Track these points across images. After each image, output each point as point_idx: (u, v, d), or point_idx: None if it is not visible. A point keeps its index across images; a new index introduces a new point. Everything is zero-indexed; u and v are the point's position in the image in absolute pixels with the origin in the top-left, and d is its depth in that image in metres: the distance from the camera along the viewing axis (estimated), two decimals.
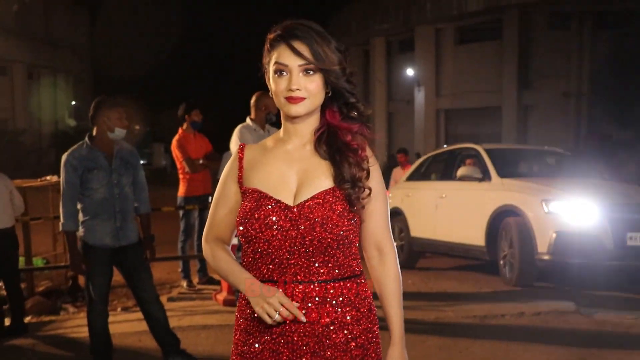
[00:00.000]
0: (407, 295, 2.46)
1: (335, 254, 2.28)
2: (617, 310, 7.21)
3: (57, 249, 10.05)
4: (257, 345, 2.32)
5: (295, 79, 2.24)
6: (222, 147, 8.70)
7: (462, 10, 28.95)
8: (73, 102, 46.20)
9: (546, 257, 8.20)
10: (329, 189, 2.29)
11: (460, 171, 9.52)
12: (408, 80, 32.25)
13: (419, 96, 31.39)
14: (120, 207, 5.61)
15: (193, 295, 8.78)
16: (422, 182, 10.51)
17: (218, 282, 8.90)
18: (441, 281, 9.53)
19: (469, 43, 31.35)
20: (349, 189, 2.27)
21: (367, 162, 2.34)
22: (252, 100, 7.20)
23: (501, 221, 8.82)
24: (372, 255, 2.41)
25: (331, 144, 2.33)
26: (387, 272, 2.38)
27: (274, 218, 2.25)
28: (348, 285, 2.31)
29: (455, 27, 31.11)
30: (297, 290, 2.26)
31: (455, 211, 9.61)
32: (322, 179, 2.31)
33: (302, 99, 2.25)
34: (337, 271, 2.29)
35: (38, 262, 9.34)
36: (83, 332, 7.37)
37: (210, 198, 9.32)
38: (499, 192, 8.97)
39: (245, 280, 2.27)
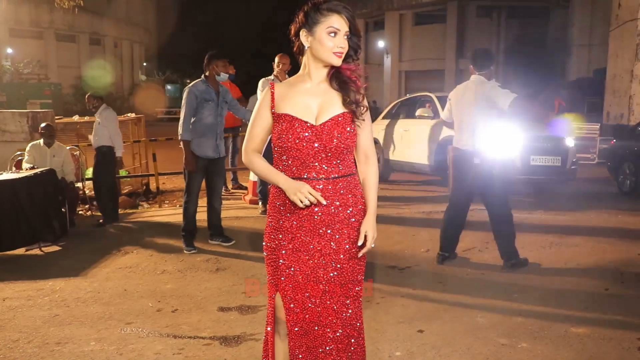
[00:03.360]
0: (379, 198, 2.46)
1: (344, 158, 2.32)
2: (520, 210, 7.08)
3: (134, 164, 9.90)
4: (287, 222, 2.34)
5: (342, 40, 2.26)
6: (248, 93, 8.47)
7: (419, 1, 29.44)
8: (144, 64, 45.62)
9: None
10: (341, 113, 2.31)
11: (419, 112, 9.30)
12: (379, 50, 32.32)
13: (387, 61, 31.75)
14: (219, 130, 5.72)
15: (228, 196, 8.65)
16: (392, 120, 10.28)
17: (245, 188, 8.81)
18: (402, 190, 9.45)
19: (423, 25, 31.61)
20: (353, 108, 2.31)
21: (362, 89, 2.36)
22: (275, 60, 6.99)
23: (446, 147, 8.65)
24: (360, 159, 2.43)
25: (339, 79, 2.33)
26: (369, 170, 2.41)
27: (305, 134, 2.27)
28: (349, 179, 2.35)
29: (413, 13, 31.57)
30: (317, 184, 2.29)
31: (414, 140, 9.41)
32: (335, 106, 2.32)
33: (342, 53, 2.27)
34: (343, 170, 2.33)
35: (123, 172, 9.18)
36: (155, 218, 7.39)
37: (240, 129, 9.19)
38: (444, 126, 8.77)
39: (281, 176, 2.29)
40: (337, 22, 2.24)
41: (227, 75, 5.81)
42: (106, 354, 3.46)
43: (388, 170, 10.16)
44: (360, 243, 2.32)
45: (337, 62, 2.27)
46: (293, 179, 2.28)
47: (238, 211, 7.49)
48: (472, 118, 4.88)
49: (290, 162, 2.29)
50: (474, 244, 5.72)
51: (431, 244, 5.73)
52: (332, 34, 2.24)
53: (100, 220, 7.04)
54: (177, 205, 8.47)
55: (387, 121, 10.44)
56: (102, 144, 6.95)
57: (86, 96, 7.22)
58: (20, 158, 7.15)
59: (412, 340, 3.57)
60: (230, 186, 9.19)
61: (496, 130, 4.89)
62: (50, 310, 4.24)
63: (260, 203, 7.39)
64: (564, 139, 8.51)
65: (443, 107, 8.96)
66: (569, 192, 8.78)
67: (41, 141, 6.86)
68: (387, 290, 4.45)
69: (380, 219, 2.40)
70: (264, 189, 7.30)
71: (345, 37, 2.26)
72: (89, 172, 7.82)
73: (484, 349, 3.42)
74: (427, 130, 9.13)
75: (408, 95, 11.63)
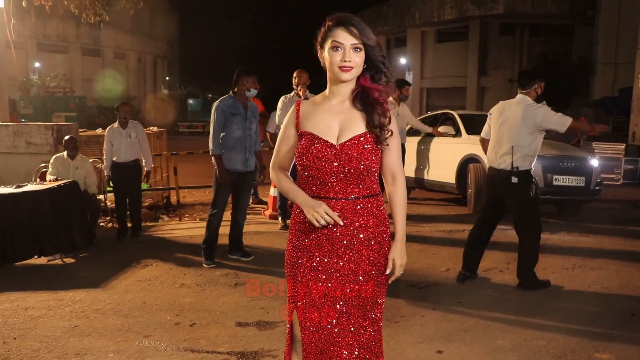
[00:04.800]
0: None
1: (365, 179, 2.29)
2: (543, 231, 6.98)
3: (156, 177, 10.01)
4: (306, 240, 2.34)
5: (348, 54, 2.22)
6: (270, 109, 8.52)
7: (441, 18, 29.33)
8: (167, 78, 46.30)
9: None
10: (362, 133, 2.28)
11: (440, 129, 9.27)
12: (401, 66, 32.25)
13: (409, 78, 31.62)
14: (249, 144, 5.77)
15: (248, 211, 8.67)
16: (413, 137, 10.24)
17: (265, 203, 8.82)
18: (422, 207, 9.39)
19: (445, 42, 31.51)
20: (377, 132, 2.27)
21: (389, 112, 2.32)
22: (294, 75, 7.08)
23: (467, 166, 8.60)
24: (388, 180, 2.38)
25: (364, 100, 2.30)
26: (397, 192, 2.37)
27: (324, 153, 2.26)
28: (371, 200, 2.31)
29: (435, 30, 31.44)
30: (337, 205, 2.28)
31: (435, 157, 9.37)
32: (357, 126, 2.29)
33: (351, 68, 2.23)
34: (364, 191, 2.30)
35: (144, 186, 9.28)
36: (174, 233, 7.43)
37: (261, 144, 9.23)
38: (466, 144, 8.71)
39: (301, 194, 2.29)
40: (340, 36, 2.21)
41: (256, 91, 5.85)
42: None
43: (408, 188, 10.10)
44: (388, 271, 2.30)
45: (345, 77, 2.24)
46: (313, 197, 2.27)
47: (258, 226, 7.50)
48: (513, 137, 4.84)
49: (310, 180, 2.30)
50: (495, 264, 5.66)
51: (451, 263, 5.68)
52: (335, 49, 2.22)
53: (133, 235, 7.10)
54: (197, 219, 8.52)
55: (408, 137, 10.42)
56: (136, 157, 7.08)
57: (119, 104, 7.23)
58: (44, 170, 7.28)
59: None
60: (250, 201, 9.23)
61: (532, 150, 4.88)
62: (70, 321, 4.29)
63: (280, 218, 7.41)
64: (588, 159, 8.41)
65: (465, 125, 9.04)
66: (593, 213, 8.65)
67: (65, 153, 6.98)
68: (406, 309, 4.42)
69: None
70: (284, 205, 7.33)
71: (354, 50, 2.22)
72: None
73: None
74: (449, 148, 9.09)
75: (429, 113, 11.61)
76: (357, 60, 2.23)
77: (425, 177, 9.55)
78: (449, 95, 29.89)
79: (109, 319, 4.33)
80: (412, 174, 9.75)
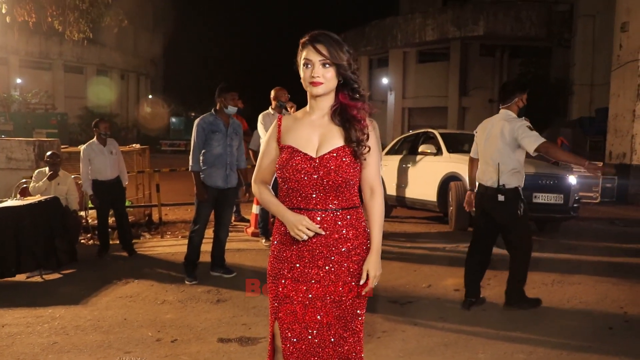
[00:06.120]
0: None
1: (344, 191, 2.32)
2: None
3: (138, 194, 9.95)
4: (287, 252, 2.37)
5: (317, 70, 2.28)
6: (253, 126, 8.55)
7: (422, 39, 29.39)
8: (150, 96, 46.16)
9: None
10: (341, 146, 2.32)
11: (422, 148, 9.37)
12: (383, 86, 32.48)
13: (391, 98, 31.97)
14: (230, 161, 5.77)
15: (230, 229, 8.64)
16: (395, 155, 10.34)
17: (247, 220, 8.80)
18: (404, 225, 9.45)
19: (426, 62, 31.78)
20: (355, 147, 2.31)
21: (367, 128, 2.35)
22: (272, 95, 7.22)
23: (448, 184, 8.69)
24: (366, 192, 2.41)
25: (343, 116, 2.35)
26: (374, 205, 2.39)
27: (304, 165, 2.30)
28: (351, 212, 2.35)
29: (417, 51, 31.63)
30: (316, 215, 2.31)
31: (417, 176, 9.46)
32: (335, 140, 2.33)
33: (321, 83, 2.29)
34: (344, 203, 2.34)
35: (127, 202, 9.22)
36: (156, 251, 7.38)
37: (246, 161, 9.22)
38: (447, 163, 8.82)
39: (282, 209, 2.33)
40: (310, 54, 2.28)
41: (236, 108, 5.83)
42: None
43: (390, 207, 10.19)
44: (362, 282, 2.32)
45: (317, 91, 2.30)
46: (292, 209, 2.31)
47: (240, 243, 7.49)
48: (497, 154, 4.74)
49: (290, 192, 2.33)
50: None
51: (432, 280, 5.72)
52: (306, 65, 2.29)
53: (126, 253, 7.00)
54: (180, 237, 8.48)
55: (389, 156, 10.53)
56: (117, 174, 7.01)
57: (98, 121, 7.11)
58: (25, 185, 7.21)
59: None
60: (232, 218, 9.21)
61: (519, 166, 4.76)
62: (49, 337, 4.23)
63: (263, 238, 7.42)
64: (566, 177, 8.55)
65: (446, 143, 9.15)
66: (571, 230, 8.78)
67: (46, 169, 6.93)
68: (387, 325, 4.43)
69: (381, 254, 2.39)
70: (265, 225, 7.35)
71: (323, 66, 2.27)
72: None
73: None
74: (430, 166, 9.19)
75: (411, 132, 11.73)
76: (327, 75, 2.29)
77: (407, 195, 9.62)
78: (431, 115, 30.13)
79: (89, 335, 4.28)
80: (393, 192, 9.83)
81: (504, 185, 4.71)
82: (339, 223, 2.32)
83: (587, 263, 6.63)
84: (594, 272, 6.10)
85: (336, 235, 2.31)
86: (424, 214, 10.17)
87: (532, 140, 4.59)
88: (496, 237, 4.96)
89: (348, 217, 2.33)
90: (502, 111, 4.93)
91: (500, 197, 4.71)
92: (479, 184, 4.96)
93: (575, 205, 8.51)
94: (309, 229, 2.25)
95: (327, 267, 2.32)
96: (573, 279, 5.86)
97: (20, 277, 5.93)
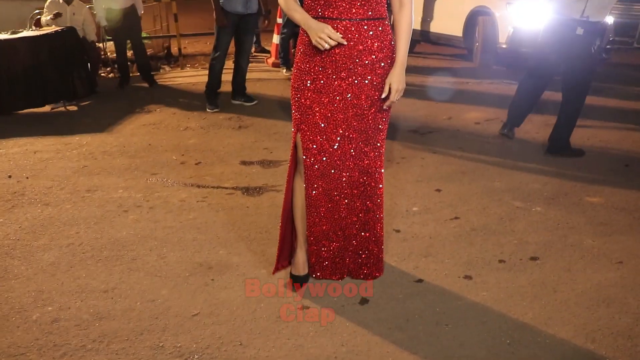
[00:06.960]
0: None
1: (370, 1, 2.20)
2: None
3: (155, 26, 9.70)
4: (311, 63, 2.29)
5: None
6: None
7: None
8: None
9: (504, 46, 7.75)
10: None
11: None
12: None
13: None
14: None
15: (250, 59, 8.51)
16: None
17: (267, 51, 8.65)
18: (427, 60, 9.21)
19: None
20: None
21: None
22: None
23: (476, 18, 8.27)
24: (395, 4, 2.30)
25: None
26: (403, 17, 2.28)
27: None
28: (376, 23, 2.24)
29: None
30: (340, 25, 2.21)
31: (443, 9, 8.97)
32: None
33: None
34: (370, 13, 2.22)
35: (143, 34, 9.02)
36: (176, 81, 7.41)
37: None
38: None
39: (306, 18, 2.23)
40: None
41: None
42: (133, 200, 3.62)
43: (413, 42, 9.85)
44: (384, 95, 2.27)
45: None
46: (317, 18, 2.20)
47: (260, 73, 7.46)
48: None
49: (315, 1, 2.22)
50: (498, 115, 5.65)
51: (453, 112, 5.69)
52: None
53: (146, 84, 7.02)
54: (200, 68, 8.39)
55: None
56: (132, 2, 6.80)
57: None
58: (39, 17, 7.03)
59: (430, 198, 3.66)
60: (252, 49, 9.04)
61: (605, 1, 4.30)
62: (78, 162, 4.38)
63: (283, 68, 7.35)
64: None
65: None
66: (600, 73, 8.46)
67: None
68: (407, 153, 4.49)
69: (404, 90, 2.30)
70: (286, 55, 7.21)
71: None
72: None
73: (499, 209, 3.50)
74: None
75: None
76: None
77: (432, 29, 9.23)
78: None
79: (116, 159, 4.42)
80: (417, 27, 9.42)
81: (587, 17, 4.30)
82: (364, 34, 2.21)
83: (611, 107, 6.46)
84: (618, 116, 5.94)
85: (360, 47, 2.22)
86: (448, 51, 9.85)
87: None
88: (553, 75, 4.67)
89: (373, 27, 2.22)
90: None
91: (579, 30, 4.34)
92: (556, 16, 4.47)
93: (608, 47, 8.11)
94: (331, 38, 2.15)
95: (350, 79, 2.27)
96: (595, 122, 5.75)
97: (45, 109, 6.02)
